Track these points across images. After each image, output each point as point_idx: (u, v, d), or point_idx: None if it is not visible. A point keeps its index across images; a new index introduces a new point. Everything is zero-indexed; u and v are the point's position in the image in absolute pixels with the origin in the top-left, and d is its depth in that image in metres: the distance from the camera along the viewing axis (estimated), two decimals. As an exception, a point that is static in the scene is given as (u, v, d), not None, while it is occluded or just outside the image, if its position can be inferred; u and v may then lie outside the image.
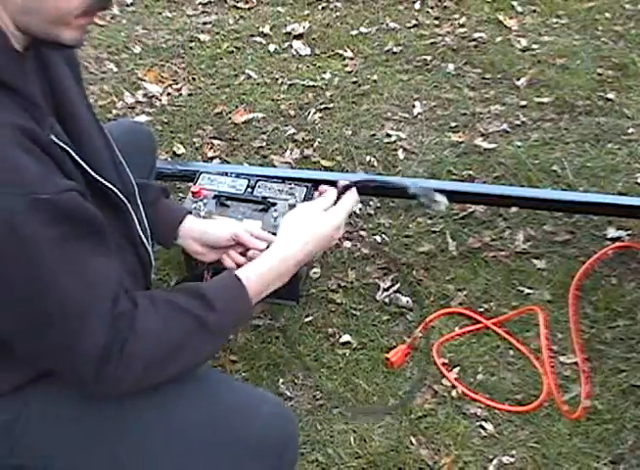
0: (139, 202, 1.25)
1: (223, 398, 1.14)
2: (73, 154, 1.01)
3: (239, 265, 1.29)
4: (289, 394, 1.70)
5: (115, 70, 2.75)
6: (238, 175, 1.88)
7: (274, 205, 1.79)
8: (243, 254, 1.37)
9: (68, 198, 0.94)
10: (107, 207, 1.09)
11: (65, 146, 0.99)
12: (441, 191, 2.05)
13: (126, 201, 1.16)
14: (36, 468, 1.13)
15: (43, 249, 0.90)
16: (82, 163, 1.03)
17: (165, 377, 1.05)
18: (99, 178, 1.08)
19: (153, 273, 1.29)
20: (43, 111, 0.99)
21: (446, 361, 1.76)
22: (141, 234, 1.23)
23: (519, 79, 2.60)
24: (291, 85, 2.63)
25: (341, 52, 2.78)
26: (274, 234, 1.72)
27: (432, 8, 2.97)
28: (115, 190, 1.13)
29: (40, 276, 0.92)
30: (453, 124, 2.44)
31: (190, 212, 1.42)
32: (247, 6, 3.04)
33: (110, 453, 1.11)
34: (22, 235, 0.88)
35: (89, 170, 1.05)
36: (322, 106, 2.53)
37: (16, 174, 0.88)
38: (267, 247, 1.24)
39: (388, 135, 2.38)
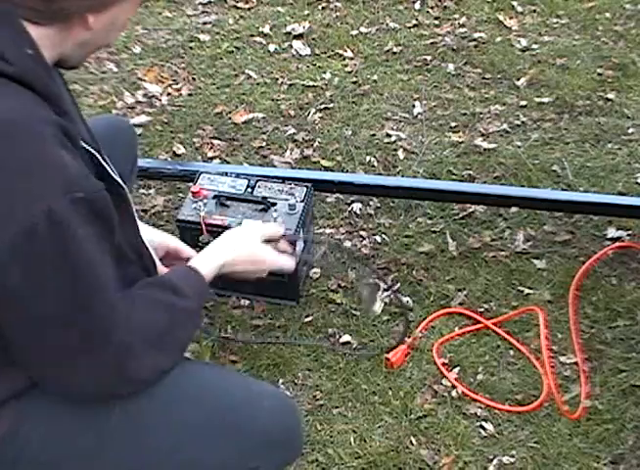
0: None
1: (224, 397, 1.15)
2: (99, 157, 1.04)
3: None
4: (289, 394, 1.69)
5: (115, 70, 2.74)
6: (238, 175, 1.88)
7: (274, 205, 1.79)
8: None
9: (101, 197, 0.98)
10: (118, 206, 1.10)
11: (92, 149, 1.03)
12: (442, 191, 2.07)
13: (130, 199, 1.18)
14: None
15: (82, 245, 0.94)
16: (105, 164, 1.06)
17: (166, 362, 1.10)
18: (116, 177, 1.11)
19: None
20: (73, 117, 1.03)
21: (446, 361, 1.76)
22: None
23: (519, 79, 2.59)
24: (291, 85, 2.63)
25: (341, 52, 2.77)
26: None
27: (432, 8, 2.97)
28: (127, 189, 1.15)
29: (77, 267, 0.95)
30: (453, 124, 2.43)
31: None
32: (247, 6, 3.04)
33: (116, 458, 1.11)
34: (62, 230, 0.91)
35: (109, 171, 1.08)
36: (322, 106, 2.53)
37: (59, 172, 0.91)
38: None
39: (388, 135, 2.38)
